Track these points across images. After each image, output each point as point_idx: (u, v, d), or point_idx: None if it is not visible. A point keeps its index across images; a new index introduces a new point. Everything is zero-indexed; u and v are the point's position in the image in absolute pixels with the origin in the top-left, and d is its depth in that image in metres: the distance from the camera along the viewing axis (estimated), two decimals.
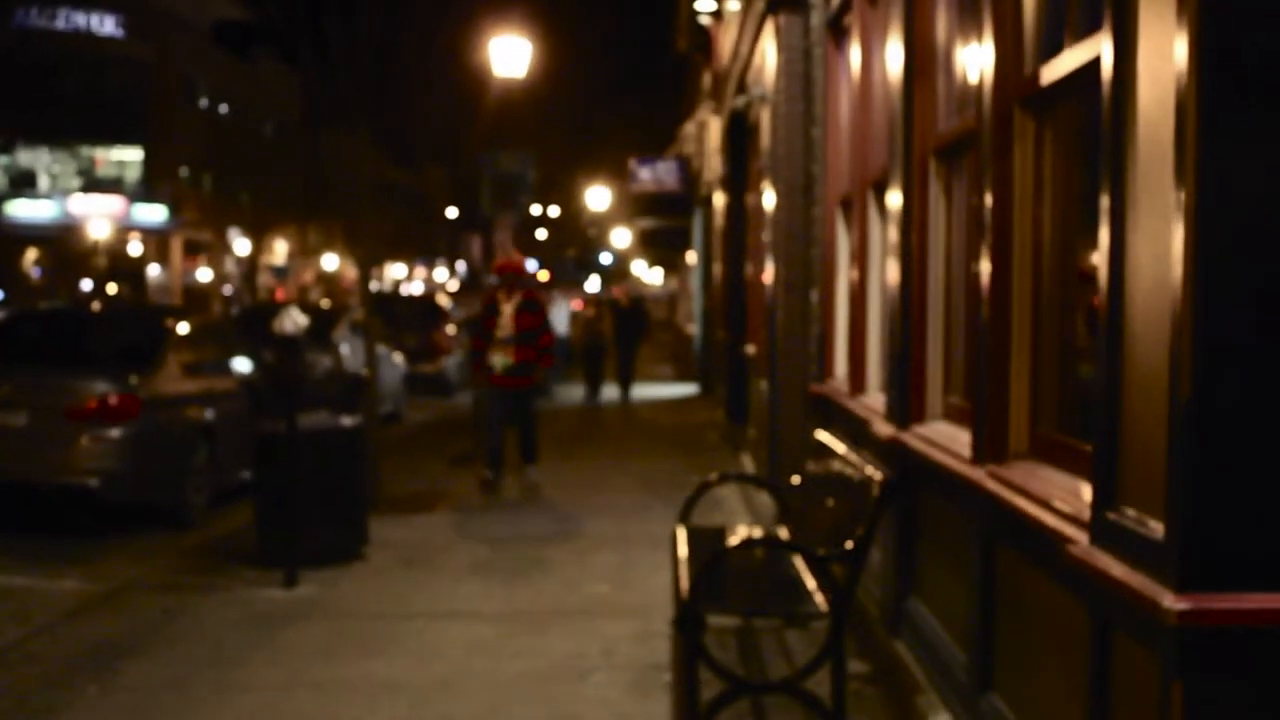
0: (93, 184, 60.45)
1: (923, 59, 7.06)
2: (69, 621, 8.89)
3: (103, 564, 10.73)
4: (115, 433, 11.73)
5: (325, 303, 37.46)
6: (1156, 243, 3.64)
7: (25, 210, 59.25)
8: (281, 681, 7.47)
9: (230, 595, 9.58)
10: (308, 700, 7.14)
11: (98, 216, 57.52)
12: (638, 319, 30.37)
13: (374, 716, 6.88)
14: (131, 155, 61.11)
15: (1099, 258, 4.04)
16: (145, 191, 60.25)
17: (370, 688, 7.36)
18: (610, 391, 29.01)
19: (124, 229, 59.57)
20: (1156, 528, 3.60)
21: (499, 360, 14.31)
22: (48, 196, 59.90)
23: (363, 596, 9.57)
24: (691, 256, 36.09)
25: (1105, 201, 3.97)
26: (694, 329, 32.88)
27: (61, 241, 58.88)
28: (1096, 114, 4.18)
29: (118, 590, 9.72)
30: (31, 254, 61.25)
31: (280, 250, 68.80)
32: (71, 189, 60.02)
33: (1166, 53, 3.55)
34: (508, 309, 14.38)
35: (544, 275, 51.36)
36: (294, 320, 10.32)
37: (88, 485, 11.66)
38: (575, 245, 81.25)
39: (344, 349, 18.82)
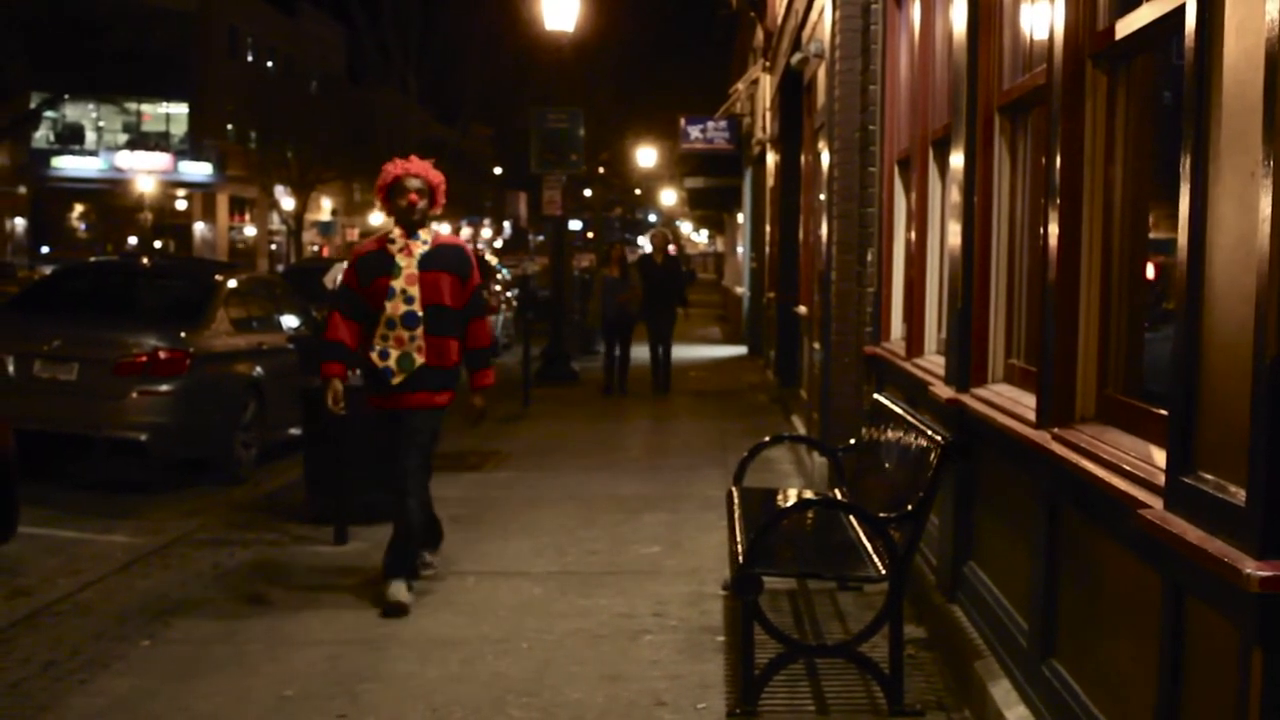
0: (139, 139, 60.75)
1: (988, 12, 6.93)
2: (120, 574, 8.90)
3: (153, 518, 10.76)
4: (165, 387, 11.76)
5: None
6: (1241, 200, 3.53)
7: (72, 165, 59.59)
8: (333, 637, 7.46)
9: (280, 551, 9.58)
10: (359, 655, 7.12)
11: (144, 172, 57.82)
12: (674, 280, 21.64)
13: (426, 672, 6.85)
14: (177, 110, 61.36)
15: (1178, 216, 3.92)
16: (191, 147, 60.51)
17: (421, 644, 7.33)
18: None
19: (170, 185, 59.87)
20: (1237, 493, 3.50)
21: (389, 360, 8.25)
22: (94, 152, 60.24)
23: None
24: (740, 217, 35.95)
25: (1186, 158, 3.86)
26: (742, 290, 32.74)
27: (108, 197, 59.23)
28: (1176, 68, 4.07)
29: (168, 544, 9.73)
30: (78, 209, 61.63)
31: (326, 207, 68.94)
32: (118, 144, 60.34)
33: (1256, 2, 3.44)
34: (406, 264, 8.28)
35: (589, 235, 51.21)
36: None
37: (138, 439, 11.70)
38: (622, 205, 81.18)
39: None
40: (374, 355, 8.25)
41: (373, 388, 8.38)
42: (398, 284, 8.21)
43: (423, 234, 8.39)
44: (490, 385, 8.81)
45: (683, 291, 22.41)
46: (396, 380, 8.22)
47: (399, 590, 8.04)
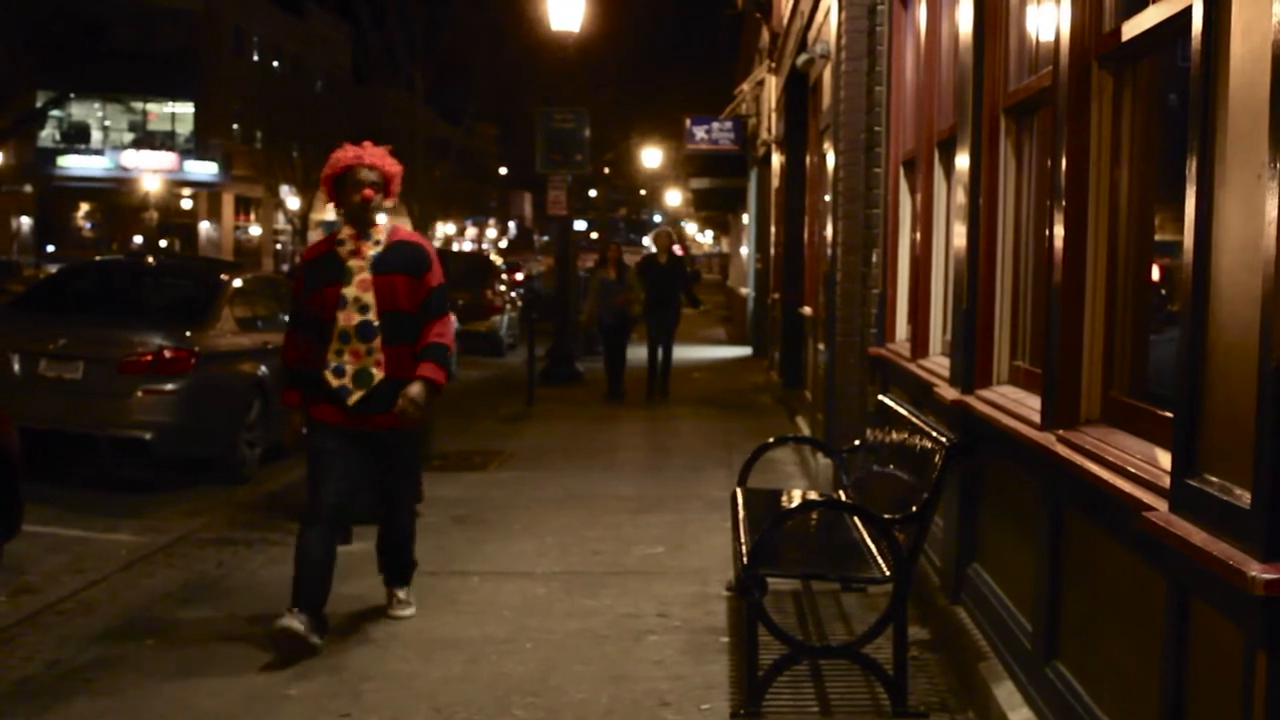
0: (145, 138, 60.82)
1: (994, 13, 6.93)
2: (124, 573, 8.90)
3: (157, 517, 10.76)
4: (170, 386, 11.75)
5: None
6: (1247, 202, 3.53)
7: (78, 164, 59.66)
8: (336, 636, 7.45)
9: (284, 550, 9.55)
10: (364, 654, 7.12)
11: (149, 171, 57.88)
12: (677, 280, 20.68)
13: (430, 672, 6.85)
14: (183, 109, 61.41)
15: (1184, 218, 3.92)
16: (197, 146, 60.56)
17: (425, 644, 7.33)
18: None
19: (175, 184, 59.91)
20: (1243, 495, 3.50)
21: (344, 378, 7.34)
22: (100, 151, 60.31)
23: (416, 554, 9.52)
24: (745, 218, 35.94)
25: (1192, 160, 3.85)
26: (747, 291, 32.72)
27: (113, 196, 59.29)
28: (1182, 70, 4.07)
29: (173, 543, 9.73)
30: (83, 208, 61.69)
31: (330, 206, 68.84)
32: (124, 143, 60.40)
33: (1263, 4, 3.43)
34: (358, 268, 7.37)
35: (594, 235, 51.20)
36: None
37: (143, 438, 11.70)
38: (627, 205, 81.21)
39: None
40: (328, 373, 7.33)
41: (325, 400, 7.40)
42: (350, 291, 7.29)
43: (375, 232, 7.44)
44: (438, 383, 7.46)
45: (690, 290, 21.33)
46: (354, 400, 7.31)
47: (403, 599, 7.96)
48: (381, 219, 7.65)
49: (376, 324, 7.29)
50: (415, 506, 8.15)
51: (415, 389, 7.34)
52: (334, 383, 7.31)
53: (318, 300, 7.33)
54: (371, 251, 7.37)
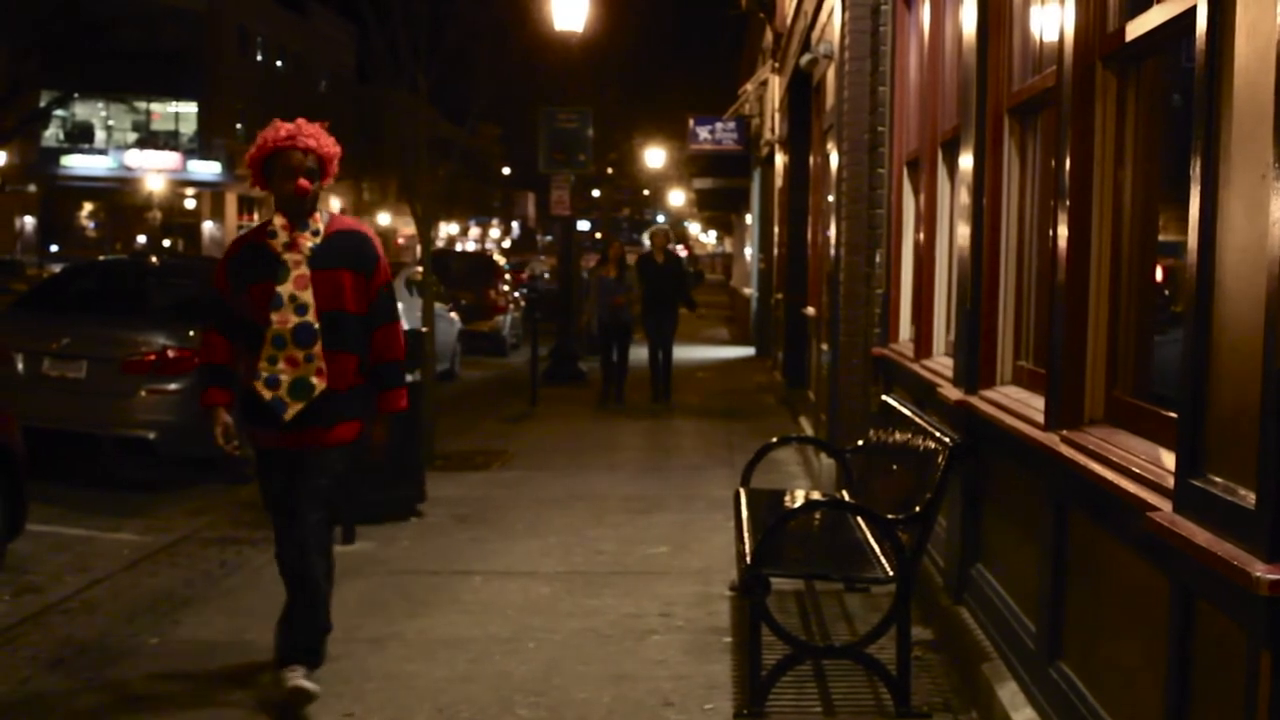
0: (148, 138, 60.87)
1: (997, 13, 6.92)
2: (128, 572, 8.91)
3: (160, 516, 10.76)
4: (173, 386, 11.76)
5: None
6: (1252, 202, 3.52)
7: (81, 164, 59.70)
8: (340, 636, 7.42)
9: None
10: (367, 654, 7.12)
11: (153, 171, 57.94)
12: (675, 280, 19.64)
13: (433, 671, 6.85)
14: (187, 109, 61.45)
15: (1189, 218, 3.91)
16: (200, 146, 60.60)
17: (428, 644, 7.33)
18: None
19: (179, 183, 59.93)
20: (1247, 496, 3.49)
21: (279, 389, 6.36)
22: (103, 151, 60.36)
23: (419, 553, 9.55)
24: (749, 218, 35.93)
25: (1196, 160, 3.85)
26: (750, 291, 32.71)
27: (117, 195, 59.34)
28: (1186, 70, 4.06)
29: (176, 542, 9.74)
30: (87, 207, 61.74)
31: (334, 206, 69.03)
32: (127, 143, 60.45)
33: (1267, 4, 3.43)
34: (295, 262, 6.40)
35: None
36: None
37: (146, 437, 11.71)
38: (631, 205, 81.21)
39: (400, 306, 18.76)
40: (259, 385, 6.33)
41: (255, 421, 6.47)
42: (285, 289, 6.31)
43: (313, 222, 6.45)
44: (401, 410, 6.75)
45: (687, 292, 20.18)
46: (291, 414, 6.33)
47: (296, 676, 6.31)
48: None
49: (316, 326, 6.33)
50: (330, 564, 6.65)
51: (380, 431, 6.72)
52: (266, 395, 6.32)
53: (247, 300, 6.38)
54: (309, 243, 6.40)
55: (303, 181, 6.36)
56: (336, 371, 6.39)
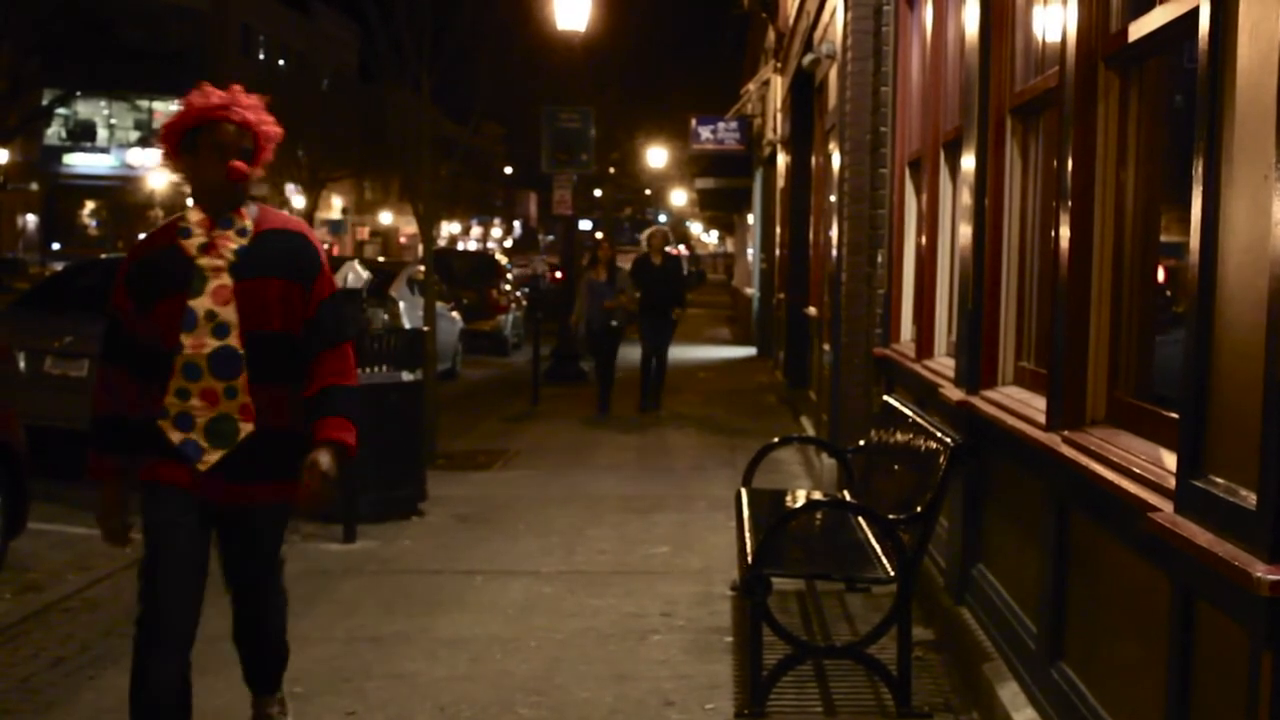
0: (151, 136, 60.79)
1: (1000, 13, 6.92)
2: (129, 571, 8.82)
3: None
4: None
5: (380, 259, 37.54)
6: (1254, 203, 3.52)
7: (83, 162, 59.68)
8: (341, 635, 7.46)
9: (288, 548, 9.53)
10: (368, 653, 7.13)
11: (155, 169, 57.86)
12: (673, 284, 18.46)
13: (434, 671, 6.85)
14: None
15: (1190, 218, 3.91)
16: None
17: (429, 643, 7.33)
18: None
19: (181, 182, 59.84)
20: (1248, 496, 3.49)
21: (192, 431, 4.95)
22: (106, 149, 60.34)
23: (421, 552, 9.56)
24: (750, 218, 35.93)
25: (1199, 161, 3.84)
26: (752, 291, 32.71)
27: (119, 194, 59.30)
28: (1189, 71, 4.06)
29: None
30: (89, 206, 61.73)
31: (336, 205, 68.93)
32: (129, 141, 60.42)
33: (1271, 5, 3.43)
34: (214, 269, 4.96)
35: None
36: (355, 273, 10.27)
37: None
38: (632, 205, 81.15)
39: (402, 305, 18.78)
40: (166, 425, 4.95)
41: (163, 457, 5.00)
42: (200, 304, 4.92)
43: (239, 219, 5.08)
44: (350, 447, 5.16)
45: (681, 294, 18.92)
46: (206, 463, 4.95)
47: (276, 711, 5.86)
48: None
49: (241, 352, 4.94)
50: (285, 603, 5.79)
51: (325, 459, 5.02)
52: (176, 438, 4.94)
53: (152, 320, 4.98)
54: (233, 246, 5.02)
55: (237, 164, 5.03)
56: (268, 410, 5.01)
